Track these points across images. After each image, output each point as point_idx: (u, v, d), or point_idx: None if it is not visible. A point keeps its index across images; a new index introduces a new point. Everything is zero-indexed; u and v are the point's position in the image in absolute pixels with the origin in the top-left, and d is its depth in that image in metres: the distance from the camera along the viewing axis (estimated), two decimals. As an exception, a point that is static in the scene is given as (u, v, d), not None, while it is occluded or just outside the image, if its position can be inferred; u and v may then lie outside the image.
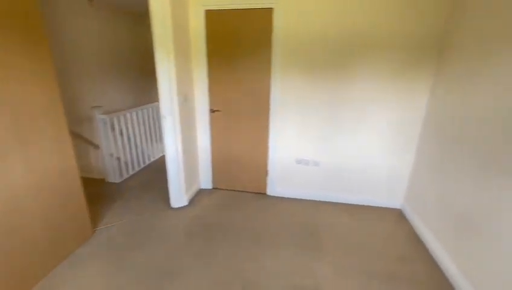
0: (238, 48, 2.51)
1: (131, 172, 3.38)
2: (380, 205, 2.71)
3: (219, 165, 2.95)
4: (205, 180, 3.02)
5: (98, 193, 2.90)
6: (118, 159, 3.21)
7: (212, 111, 2.76)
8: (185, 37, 2.43)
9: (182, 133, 2.46)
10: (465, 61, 1.83)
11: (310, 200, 2.81)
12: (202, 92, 2.69)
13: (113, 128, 3.15)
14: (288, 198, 2.85)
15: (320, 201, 2.79)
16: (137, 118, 3.46)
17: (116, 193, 2.90)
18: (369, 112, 2.43)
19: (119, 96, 3.94)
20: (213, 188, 3.04)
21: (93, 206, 2.58)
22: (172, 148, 2.45)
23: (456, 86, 1.90)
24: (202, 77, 2.64)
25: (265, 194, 2.92)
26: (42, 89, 1.68)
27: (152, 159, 3.86)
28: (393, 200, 2.67)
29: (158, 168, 3.60)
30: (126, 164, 3.33)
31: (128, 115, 3.25)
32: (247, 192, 2.96)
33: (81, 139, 3.38)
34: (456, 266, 1.72)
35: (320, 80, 2.42)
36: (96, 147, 3.27)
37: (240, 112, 2.70)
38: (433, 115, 2.19)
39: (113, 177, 3.16)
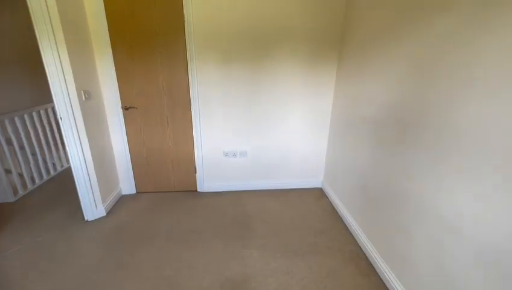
0: (149, 37, 2.29)
1: (30, 187, 2.82)
2: (303, 187, 2.93)
3: (141, 167, 2.70)
4: (127, 186, 2.74)
5: (-19, 218, 2.32)
6: (7, 171, 2.63)
7: (125, 108, 2.48)
8: (80, 21, 2.09)
9: (88, 136, 2.14)
10: (356, 54, 2.07)
11: (239, 191, 2.84)
12: (111, 87, 2.39)
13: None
14: (218, 192, 2.82)
15: (249, 191, 2.85)
16: (32, 122, 2.87)
17: (10, 215, 2.38)
18: (287, 102, 2.56)
19: (6, 96, 3.20)
20: (137, 193, 2.79)
21: (-27, 237, 2.06)
22: (76, 155, 2.12)
23: (352, 79, 2.15)
24: (108, 70, 2.33)
25: (195, 191, 2.83)
26: None
27: (59, 169, 3.29)
28: (314, 180, 2.92)
29: (67, 179, 3.10)
30: (21, 177, 2.75)
31: (17, 119, 2.67)
32: (176, 191, 2.82)
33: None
34: (365, 235, 1.98)
35: (237, 71, 2.42)
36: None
37: (159, 108, 2.51)
38: (338, 104, 2.46)
39: (4, 197, 2.57)
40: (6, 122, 2.57)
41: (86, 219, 2.31)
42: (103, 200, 2.38)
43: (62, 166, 3.35)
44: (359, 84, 2.04)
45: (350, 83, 2.20)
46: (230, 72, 2.42)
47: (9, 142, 2.66)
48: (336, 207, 2.52)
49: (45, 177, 3.04)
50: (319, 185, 2.95)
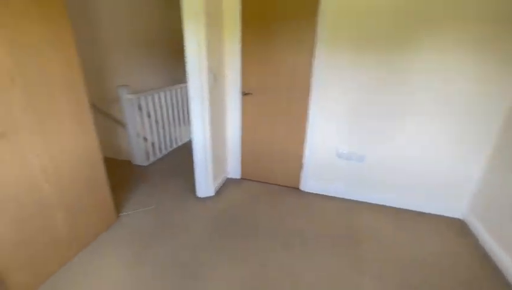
0: (279, 21, 2.15)
1: (158, 155, 3.27)
2: (434, 213, 2.29)
3: (249, 154, 2.69)
4: (233, 170, 2.80)
5: (123, 175, 2.82)
6: (145, 139, 3.10)
7: (244, 94, 2.48)
8: (218, 4, 2.13)
9: (210, 117, 2.22)
10: None
11: (349, 199, 2.47)
12: (234, 71, 2.41)
13: (140, 109, 3.02)
14: (324, 195, 2.53)
15: (361, 202, 2.44)
16: (166, 99, 3.29)
17: (142, 177, 2.80)
18: (432, 95, 1.98)
19: (148, 76, 3.81)
20: (241, 179, 2.82)
21: (118, 190, 2.49)
22: (200, 133, 2.23)
23: None
24: (235, 53, 2.34)
25: (298, 189, 2.63)
26: (61, 63, 1.50)
27: (179, 143, 3.72)
28: (453, 207, 2.24)
29: (185, 153, 3.46)
30: (153, 146, 3.21)
31: (156, 96, 3.09)
32: (278, 185, 2.70)
33: (110, 119, 3.31)
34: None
35: (372, 60, 2.01)
36: (124, 126, 3.18)
37: (276, 96, 2.39)
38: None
39: (140, 160, 3.06)
40: (149, 98, 3.00)
41: (197, 194, 2.46)
42: (214, 180, 2.47)
43: (182, 141, 3.78)
44: None
45: None
46: (363, 60, 2.03)
47: (148, 115, 3.13)
48: (490, 251, 1.83)
49: (169, 148, 3.48)
50: (458, 215, 2.24)
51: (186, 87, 3.64)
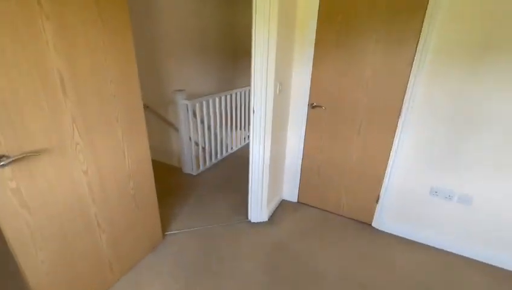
0: (367, 18, 1.71)
1: (208, 164, 3.07)
2: None
3: (310, 175, 2.30)
4: (290, 191, 2.43)
5: (172, 185, 2.66)
6: (196, 144, 2.93)
7: (312, 106, 2.09)
8: (291, 5, 1.78)
9: (272, 133, 1.89)
10: None
11: (446, 251, 1.90)
12: (303, 78, 2.03)
13: (194, 115, 2.85)
14: (407, 240, 2.00)
15: (465, 257, 1.85)
16: (221, 105, 3.07)
17: (191, 189, 2.61)
18: None
19: (204, 80, 3.67)
20: (298, 202, 2.43)
21: (165, 203, 2.33)
22: (258, 151, 1.92)
23: None
24: (306, 57, 1.96)
25: (370, 225, 2.15)
26: (117, 65, 1.32)
27: (230, 151, 3.49)
28: None
29: (237, 162, 3.21)
30: (204, 154, 3.02)
31: (211, 101, 2.89)
32: (343, 217, 2.25)
33: (163, 121, 3.23)
34: None
35: (499, 76, 1.43)
36: (177, 130, 3.06)
37: (353, 110, 1.94)
38: None
39: (190, 168, 2.90)
40: (204, 104, 2.80)
41: (249, 218, 2.16)
42: (268, 203, 2.14)
43: (232, 148, 3.55)
44: None
45: None
46: (483, 77, 1.47)
47: (202, 120, 2.95)
48: None
49: (220, 156, 3.27)
50: None
51: (242, 91, 3.40)
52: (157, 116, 3.18)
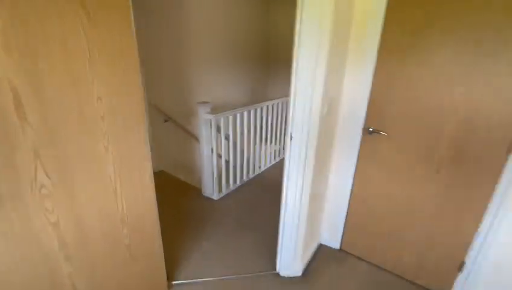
0: (463, 12, 1.18)
1: (232, 186, 2.66)
2: None
3: (359, 219, 1.77)
4: (331, 235, 1.91)
5: (188, 212, 2.28)
6: (225, 161, 2.54)
7: (368, 132, 1.58)
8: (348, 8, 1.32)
9: (313, 174, 1.41)
10: None
11: None
12: (357, 95, 1.54)
13: (218, 130, 2.47)
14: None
15: None
16: (249, 119, 2.66)
17: (210, 219, 2.20)
18: None
19: (232, 91, 3.31)
20: (341, 250, 1.91)
21: (176, 237, 1.94)
22: (294, 191, 1.45)
23: None
24: (364, 67, 1.47)
25: (446, 298, 1.55)
26: (109, 75, 0.95)
27: (258, 171, 3.05)
28: None
29: (265, 185, 2.77)
30: (227, 175, 2.62)
31: (238, 115, 2.49)
32: (407, 280, 1.67)
33: (186, 133, 2.91)
34: None
35: None
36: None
37: (430, 142, 1.40)
38: None
39: (211, 191, 2.51)
40: (230, 118, 2.41)
41: (277, 270, 1.69)
42: (303, 254, 1.65)
43: (261, 168, 3.11)
44: None
45: None
46: None
47: (226, 137, 2.57)
48: None
49: (245, 178, 2.84)
50: None
51: (275, 103, 2.98)
52: (180, 128, 2.87)
